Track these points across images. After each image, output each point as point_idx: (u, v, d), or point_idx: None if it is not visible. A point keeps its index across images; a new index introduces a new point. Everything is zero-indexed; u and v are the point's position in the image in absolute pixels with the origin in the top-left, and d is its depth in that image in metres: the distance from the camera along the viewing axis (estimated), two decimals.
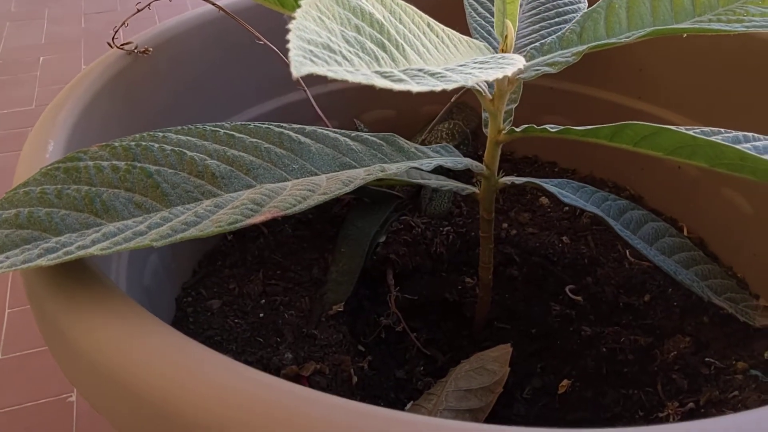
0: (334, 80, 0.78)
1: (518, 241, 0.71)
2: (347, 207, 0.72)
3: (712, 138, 0.46)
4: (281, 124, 0.47)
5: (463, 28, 0.63)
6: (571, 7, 0.65)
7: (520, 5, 0.67)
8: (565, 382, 0.59)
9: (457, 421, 0.49)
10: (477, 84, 0.51)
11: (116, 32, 0.56)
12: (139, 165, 0.40)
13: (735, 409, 0.54)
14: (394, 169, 0.44)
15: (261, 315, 0.61)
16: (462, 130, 0.76)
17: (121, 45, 0.57)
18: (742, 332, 0.60)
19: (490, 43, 0.60)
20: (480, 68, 0.32)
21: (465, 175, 0.75)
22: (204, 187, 0.40)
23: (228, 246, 0.69)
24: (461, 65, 0.35)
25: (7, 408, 0.74)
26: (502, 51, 0.50)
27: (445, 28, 0.43)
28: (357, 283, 0.64)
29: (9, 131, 1.44)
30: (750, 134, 0.46)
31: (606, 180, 0.80)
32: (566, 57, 0.52)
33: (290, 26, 0.28)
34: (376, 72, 0.29)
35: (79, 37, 1.88)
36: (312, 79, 0.71)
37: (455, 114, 0.78)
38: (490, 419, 0.52)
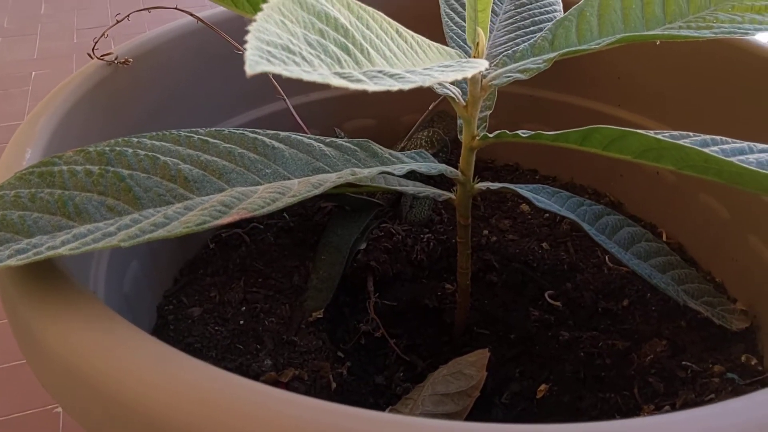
0: (315, 90, 0.78)
1: (498, 248, 0.71)
2: (328, 215, 0.72)
3: (679, 141, 0.47)
4: (256, 130, 0.47)
5: (443, 40, 0.64)
6: (546, 16, 0.66)
7: (498, 14, 0.68)
8: (543, 386, 0.59)
9: (435, 419, 0.49)
10: (450, 90, 0.52)
11: (96, 43, 0.57)
12: (112, 169, 0.40)
13: None
14: (366, 173, 0.45)
15: (241, 322, 0.61)
16: (441, 138, 0.76)
17: (102, 56, 0.58)
18: (719, 336, 0.61)
19: (465, 51, 0.61)
20: (441, 71, 0.33)
21: (446, 184, 0.76)
22: (176, 190, 0.41)
23: (210, 254, 0.70)
24: (426, 69, 0.36)
25: None
26: (474, 58, 0.51)
27: (416, 35, 0.43)
28: (337, 291, 0.64)
29: (1, 146, 1.44)
30: (719, 138, 0.47)
31: (586, 187, 0.81)
32: (538, 64, 0.53)
33: (250, 27, 0.29)
34: (335, 73, 0.30)
35: (71, 52, 1.89)
36: (292, 89, 0.72)
37: (435, 122, 0.79)
38: None
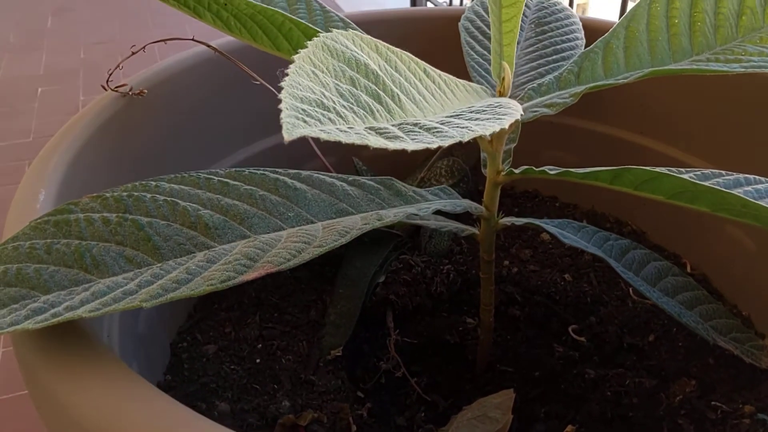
0: None
1: (520, 280, 0.70)
2: (346, 246, 0.71)
3: (713, 183, 0.45)
4: (276, 170, 0.46)
5: (461, 65, 0.63)
6: (568, 44, 0.65)
7: (518, 42, 0.66)
8: (569, 428, 0.57)
9: None
10: None
11: (111, 75, 0.56)
12: (130, 217, 0.39)
13: None
14: (392, 216, 0.43)
15: (257, 360, 0.60)
16: (461, 168, 0.75)
17: (116, 87, 0.57)
18: (748, 373, 0.59)
19: (488, 82, 0.60)
20: (477, 121, 0.31)
21: (465, 214, 0.74)
22: (197, 238, 0.39)
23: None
24: (457, 115, 0.35)
25: None
26: (500, 93, 0.50)
27: (442, 74, 0.42)
28: (356, 326, 0.63)
29: (7, 164, 1.43)
30: (751, 177, 0.46)
31: (607, 215, 0.79)
32: (564, 98, 0.51)
33: (283, 83, 0.27)
34: (370, 128, 0.28)
35: (77, 67, 1.88)
36: None
37: (455, 150, 0.77)
38: None
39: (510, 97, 0.51)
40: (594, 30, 0.69)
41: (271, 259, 0.36)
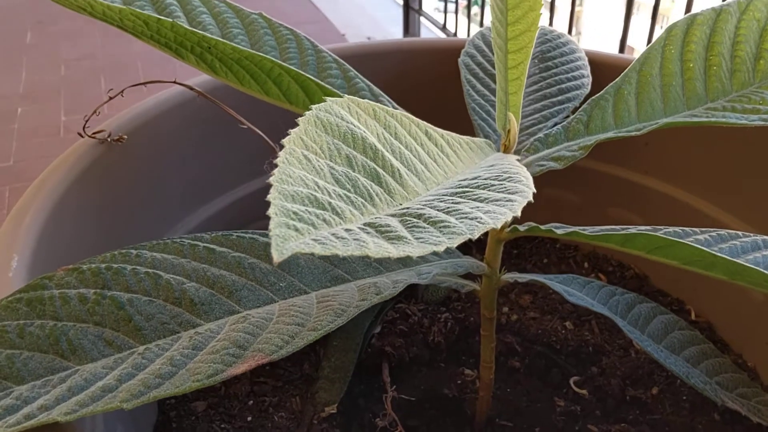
0: None
1: (519, 328, 0.67)
2: None
3: (730, 245, 0.43)
4: (266, 232, 0.43)
5: (460, 98, 0.61)
6: (574, 83, 0.62)
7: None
8: None
9: None
10: None
11: (87, 121, 0.53)
12: (109, 294, 0.36)
13: None
14: (390, 288, 0.40)
15: (249, 418, 0.57)
16: None
17: (93, 133, 0.53)
18: (755, 430, 0.57)
19: (490, 127, 0.57)
20: (486, 203, 0.29)
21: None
22: (182, 316, 0.37)
23: None
24: (464, 191, 0.32)
25: None
26: (505, 147, 0.47)
27: (444, 133, 0.39)
28: (351, 379, 0.60)
29: None
30: None
31: (609, 258, 0.76)
32: (573, 150, 0.49)
33: (272, 179, 0.25)
34: (370, 224, 0.26)
35: (59, 86, 1.83)
36: None
37: None
38: None
39: (516, 147, 0.49)
40: (599, 65, 0.67)
41: (262, 347, 0.34)
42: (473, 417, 0.60)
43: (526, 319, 0.68)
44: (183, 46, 0.45)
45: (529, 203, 0.32)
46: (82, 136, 0.54)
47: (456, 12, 1.88)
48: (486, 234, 0.51)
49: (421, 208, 0.29)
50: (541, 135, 0.52)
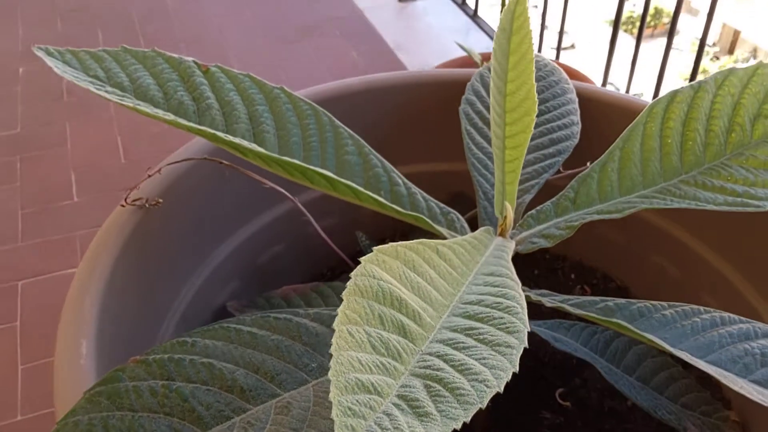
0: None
1: None
2: None
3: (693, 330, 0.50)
4: (297, 311, 0.51)
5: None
6: (564, 132, 0.68)
7: None
8: None
9: None
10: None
11: (128, 196, 0.58)
12: (175, 387, 0.44)
13: None
14: None
15: None
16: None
17: (133, 201, 0.58)
18: None
19: (488, 181, 0.64)
20: (492, 366, 0.36)
21: None
22: (234, 403, 0.44)
23: None
24: (469, 329, 0.39)
25: None
26: (501, 230, 0.54)
27: (452, 245, 0.46)
28: None
29: None
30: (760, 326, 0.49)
31: (595, 269, 0.84)
32: (561, 229, 0.56)
33: (330, 374, 0.32)
34: (401, 400, 0.33)
35: (56, 42, 1.81)
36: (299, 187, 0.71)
37: (452, 204, 0.82)
38: None
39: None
40: (588, 99, 0.73)
41: None
42: (472, 429, 0.69)
43: None
44: (218, 140, 0.51)
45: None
46: (123, 206, 0.58)
47: None
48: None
49: (440, 364, 0.36)
50: (533, 212, 0.58)
